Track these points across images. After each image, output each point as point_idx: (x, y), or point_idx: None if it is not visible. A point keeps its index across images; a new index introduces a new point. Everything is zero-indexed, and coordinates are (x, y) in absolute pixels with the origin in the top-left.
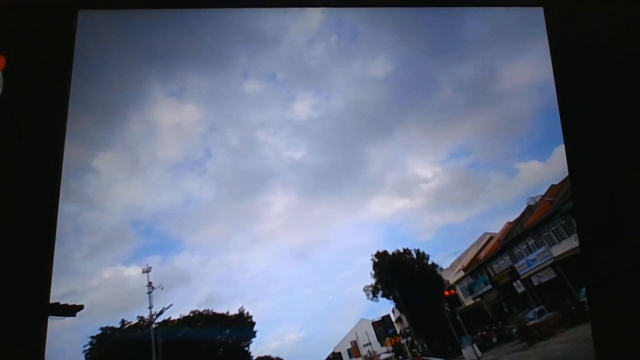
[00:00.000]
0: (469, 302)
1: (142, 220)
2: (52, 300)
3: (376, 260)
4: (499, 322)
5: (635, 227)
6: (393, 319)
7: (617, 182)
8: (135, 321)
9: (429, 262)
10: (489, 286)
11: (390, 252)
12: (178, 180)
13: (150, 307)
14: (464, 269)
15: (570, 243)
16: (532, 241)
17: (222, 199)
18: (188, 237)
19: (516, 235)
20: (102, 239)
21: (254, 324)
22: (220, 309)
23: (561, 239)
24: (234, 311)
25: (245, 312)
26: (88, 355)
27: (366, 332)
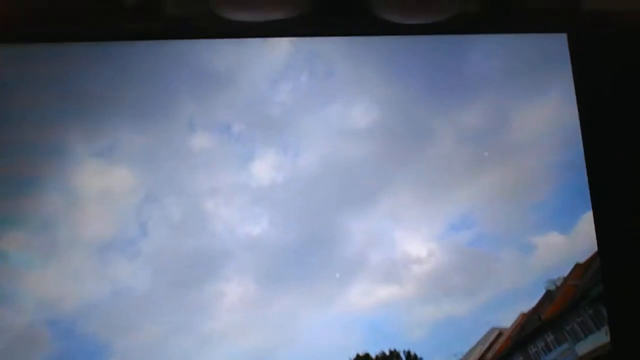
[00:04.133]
0: None
1: (59, 319)
2: None
3: None
4: None
5: None
6: None
7: None
8: None
9: None
10: None
11: (373, 355)
12: (105, 265)
13: None
14: None
15: (600, 338)
16: (551, 337)
17: (160, 290)
18: (117, 339)
19: (532, 330)
20: (8, 344)
21: None
22: None
23: (588, 333)
24: None
25: None
26: None
27: None
